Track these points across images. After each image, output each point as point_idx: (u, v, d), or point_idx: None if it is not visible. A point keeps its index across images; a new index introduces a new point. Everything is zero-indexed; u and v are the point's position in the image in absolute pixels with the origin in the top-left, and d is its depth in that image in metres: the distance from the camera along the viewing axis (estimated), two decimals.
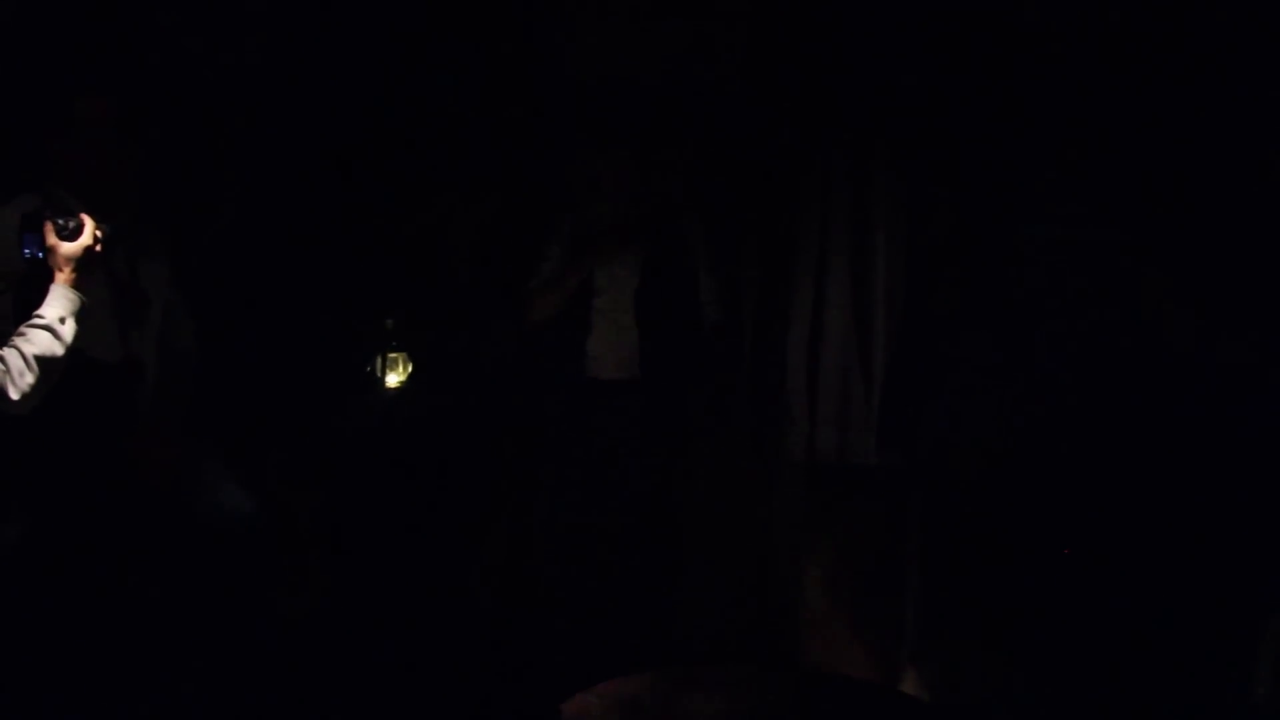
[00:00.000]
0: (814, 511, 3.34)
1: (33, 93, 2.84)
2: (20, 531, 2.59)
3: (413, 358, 3.67)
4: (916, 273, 3.21)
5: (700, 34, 3.50)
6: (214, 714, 2.82)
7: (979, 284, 3.21)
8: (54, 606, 2.60)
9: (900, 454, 3.23)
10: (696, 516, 3.51)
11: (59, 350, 2.47)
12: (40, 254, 2.53)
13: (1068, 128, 3.15)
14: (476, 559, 3.60)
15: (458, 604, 3.49)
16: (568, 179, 3.51)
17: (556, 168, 3.63)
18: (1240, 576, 2.89)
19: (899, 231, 3.19)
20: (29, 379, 2.42)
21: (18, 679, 2.54)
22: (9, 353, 2.43)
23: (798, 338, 3.31)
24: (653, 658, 2.90)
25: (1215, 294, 3.07)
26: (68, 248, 2.52)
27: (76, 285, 2.53)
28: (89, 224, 2.54)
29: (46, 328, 2.47)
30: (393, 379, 3.67)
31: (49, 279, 2.52)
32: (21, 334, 2.46)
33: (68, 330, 2.49)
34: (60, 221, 2.52)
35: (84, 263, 2.54)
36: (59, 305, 2.50)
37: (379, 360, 3.65)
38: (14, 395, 2.41)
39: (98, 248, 2.55)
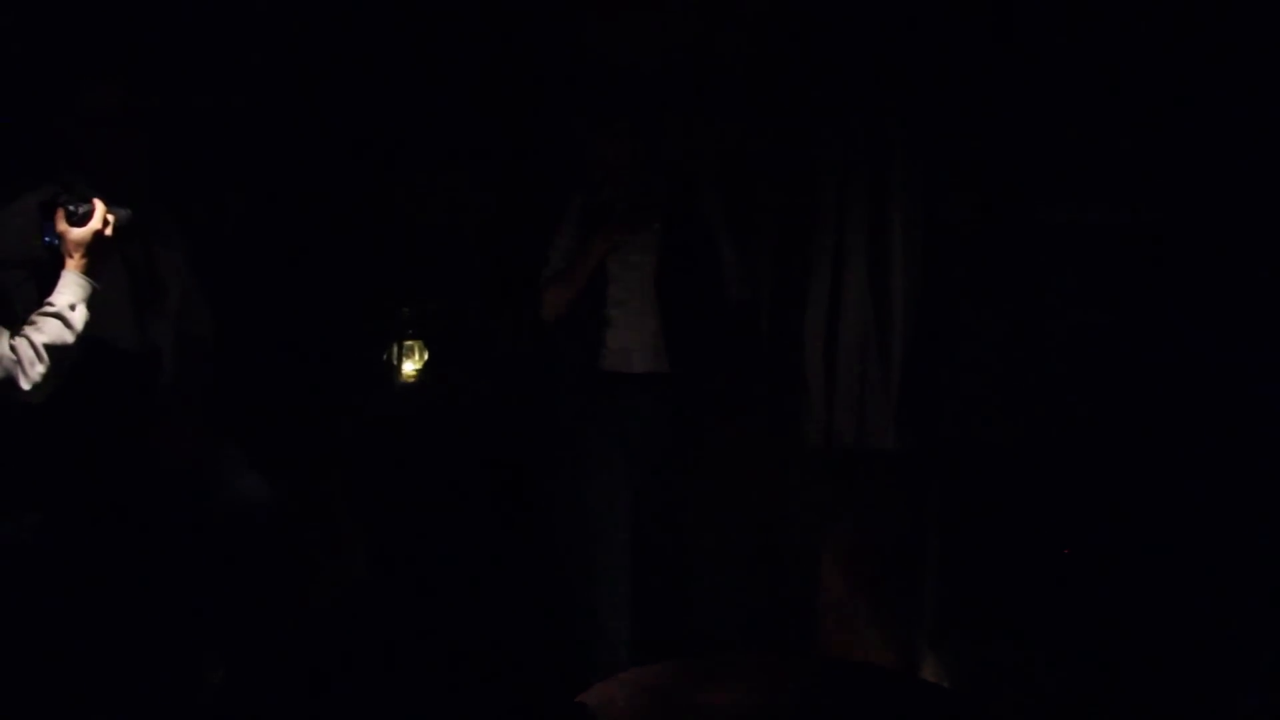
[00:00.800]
0: (832, 497, 3.32)
1: (46, 80, 2.83)
2: (40, 519, 2.58)
3: (428, 346, 3.66)
4: (934, 254, 3.19)
5: (716, 10, 3.46)
6: (233, 704, 2.82)
7: (996, 266, 3.19)
8: (73, 595, 2.60)
9: (919, 438, 3.21)
10: (712, 503, 3.49)
11: (69, 338, 2.46)
12: (58, 241, 2.53)
13: (1087, 108, 3.13)
14: (492, 551, 3.58)
15: (476, 595, 3.47)
16: (575, 161, 3.36)
17: (564, 150, 3.54)
18: (1260, 563, 2.88)
19: (916, 212, 3.17)
20: (39, 368, 2.42)
21: (38, 668, 2.54)
22: (19, 342, 2.43)
23: (815, 320, 3.27)
24: (672, 648, 2.92)
25: (1234, 279, 3.05)
26: (77, 233, 2.51)
27: (89, 271, 2.52)
28: (99, 209, 2.53)
29: (57, 315, 2.46)
30: (409, 367, 3.67)
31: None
32: (32, 322, 2.45)
33: (79, 317, 2.48)
34: (71, 208, 2.52)
35: (95, 248, 2.53)
36: (69, 292, 2.50)
37: (395, 348, 3.65)
38: (25, 385, 2.41)
39: (108, 232, 2.54)
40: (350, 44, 3.59)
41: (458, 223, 3.76)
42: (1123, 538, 3.03)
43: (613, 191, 3.20)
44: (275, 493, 2.87)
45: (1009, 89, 3.14)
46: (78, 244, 2.52)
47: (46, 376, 2.42)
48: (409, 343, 3.67)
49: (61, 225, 2.51)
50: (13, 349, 2.42)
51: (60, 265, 2.54)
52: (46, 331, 2.44)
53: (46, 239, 2.53)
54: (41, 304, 2.50)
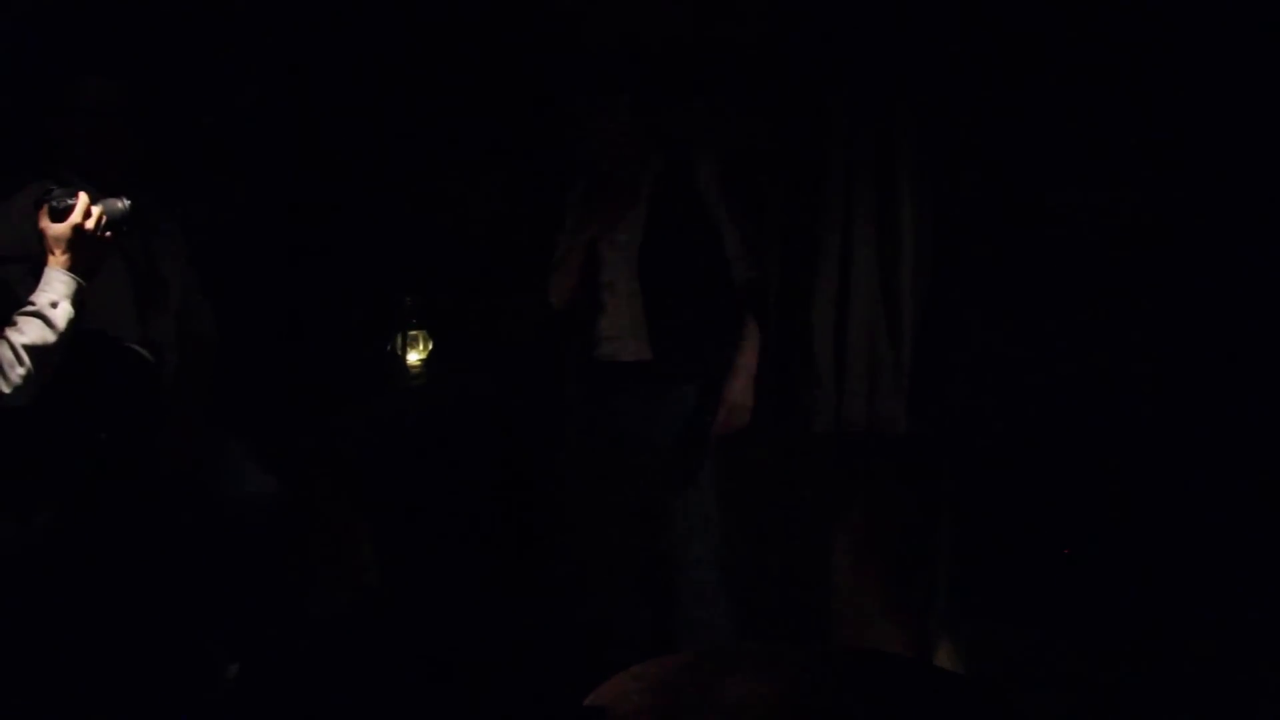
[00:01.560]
0: (842, 483, 3.30)
1: (41, 76, 2.79)
2: (43, 519, 2.56)
3: (432, 335, 3.64)
4: (944, 235, 3.16)
5: None
6: (248, 700, 2.81)
7: (1005, 249, 3.16)
8: (81, 594, 2.58)
9: (930, 423, 3.18)
10: (720, 492, 3.45)
11: (51, 337, 2.37)
12: None
13: (1096, 89, 3.10)
14: (501, 548, 3.54)
15: (485, 592, 3.45)
16: (576, 142, 3.22)
17: (565, 132, 3.51)
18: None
19: (925, 193, 3.13)
20: (20, 371, 2.34)
21: (48, 668, 2.52)
22: None
23: (823, 303, 3.18)
24: (683, 640, 2.90)
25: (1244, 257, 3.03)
26: (56, 228, 2.43)
27: (77, 267, 2.44)
28: (81, 203, 2.44)
29: (37, 314, 2.38)
30: (413, 356, 3.64)
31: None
32: (12, 323, 2.37)
33: (61, 314, 2.39)
34: (54, 203, 2.44)
35: (78, 243, 2.43)
36: (51, 289, 2.41)
37: (399, 338, 3.63)
38: (5, 389, 2.33)
39: (89, 225, 2.44)
40: (349, 31, 3.55)
41: (462, 210, 3.73)
42: (1134, 521, 3.01)
43: (608, 170, 3.08)
44: (280, 488, 2.86)
45: (1017, 70, 3.10)
46: (57, 239, 2.43)
47: (28, 379, 2.34)
48: (413, 332, 3.64)
49: (44, 221, 2.45)
50: None
51: None
52: (27, 332, 2.36)
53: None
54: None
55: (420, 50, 3.61)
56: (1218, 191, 3.01)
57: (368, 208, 3.64)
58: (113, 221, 2.50)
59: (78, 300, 2.43)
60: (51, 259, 2.44)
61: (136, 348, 2.63)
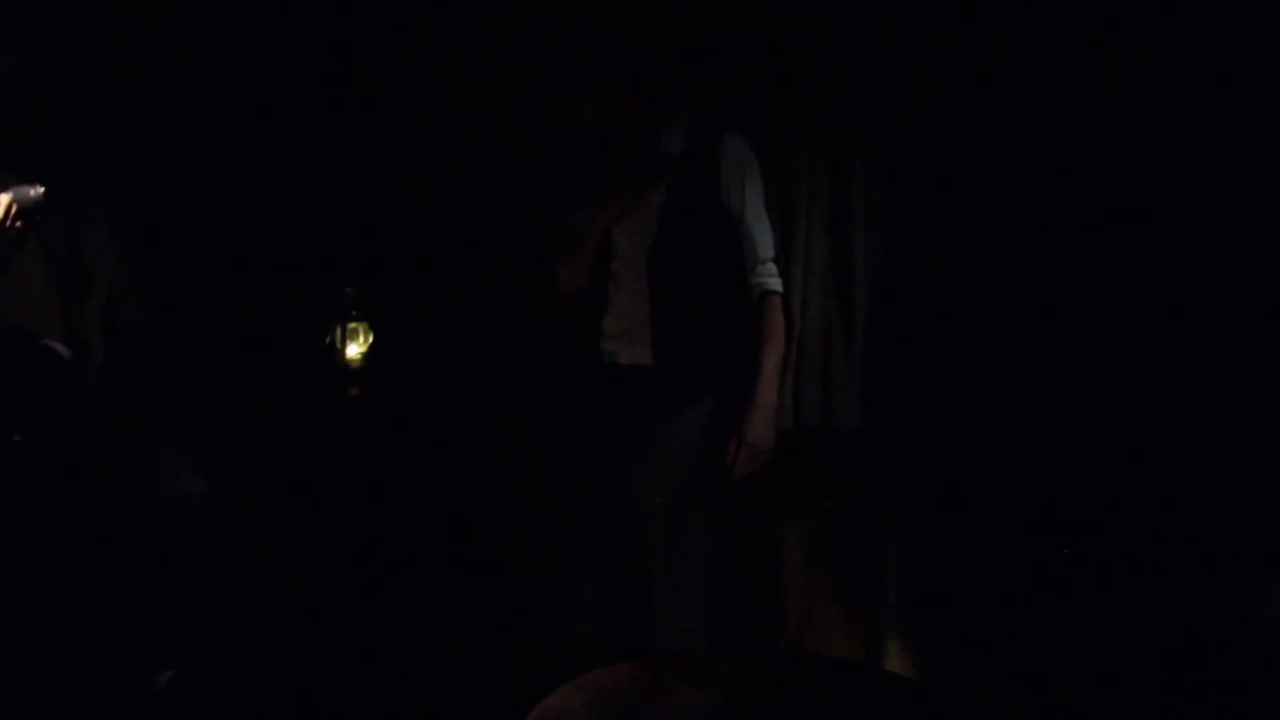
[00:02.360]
0: (796, 479, 3.25)
1: None
2: None
3: (373, 327, 3.54)
4: (895, 231, 3.12)
5: None
6: (182, 706, 2.71)
7: (959, 242, 3.13)
8: (3, 600, 2.47)
9: (882, 418, 3.15)
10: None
11: None
12: None
13: (1050, 81, 3.07)
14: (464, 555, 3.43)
15: (440, 600, 3.35)
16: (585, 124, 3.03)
17: (534, 113, 3.38)
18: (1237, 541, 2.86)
19: (876, 187, 3.10)
20: None
21: None
22: None
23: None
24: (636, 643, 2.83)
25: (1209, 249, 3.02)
26: None
27: None
28: None
29: None
30: (353, 349, 3.53)
31: None
32: None
33: None
34: None
35: None
36: None
37: (338, 330, 3.52)
38: None
39: None
40: (292, 8, 3.43)
41: (407, 193, 3.62)
42: (1092, 513, 2.99)
43: (630, 149, 2.80)
44: (214, 487, 2.75)
45: (971, 66, 3.06)
46: None
47: None
48: (353, 325, 3.53)
49: None
50: None
51: None
52: None
53: None
54: None
55: (366, 27, 3.50)
56: (1179, 180, 3.00)
57: (307, 192, 3.53)
58: (24, 210, 2.36)
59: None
60: None
61: (52, 344, 2.50)
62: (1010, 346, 3.14)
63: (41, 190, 2.38)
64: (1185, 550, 2.87)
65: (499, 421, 3.40)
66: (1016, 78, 3.06)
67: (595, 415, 2.81)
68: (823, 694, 2.27)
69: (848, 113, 3.08)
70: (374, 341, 3.54)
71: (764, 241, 2.79)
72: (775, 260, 2.81)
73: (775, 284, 2.79)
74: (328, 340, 3.51)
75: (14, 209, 2.34)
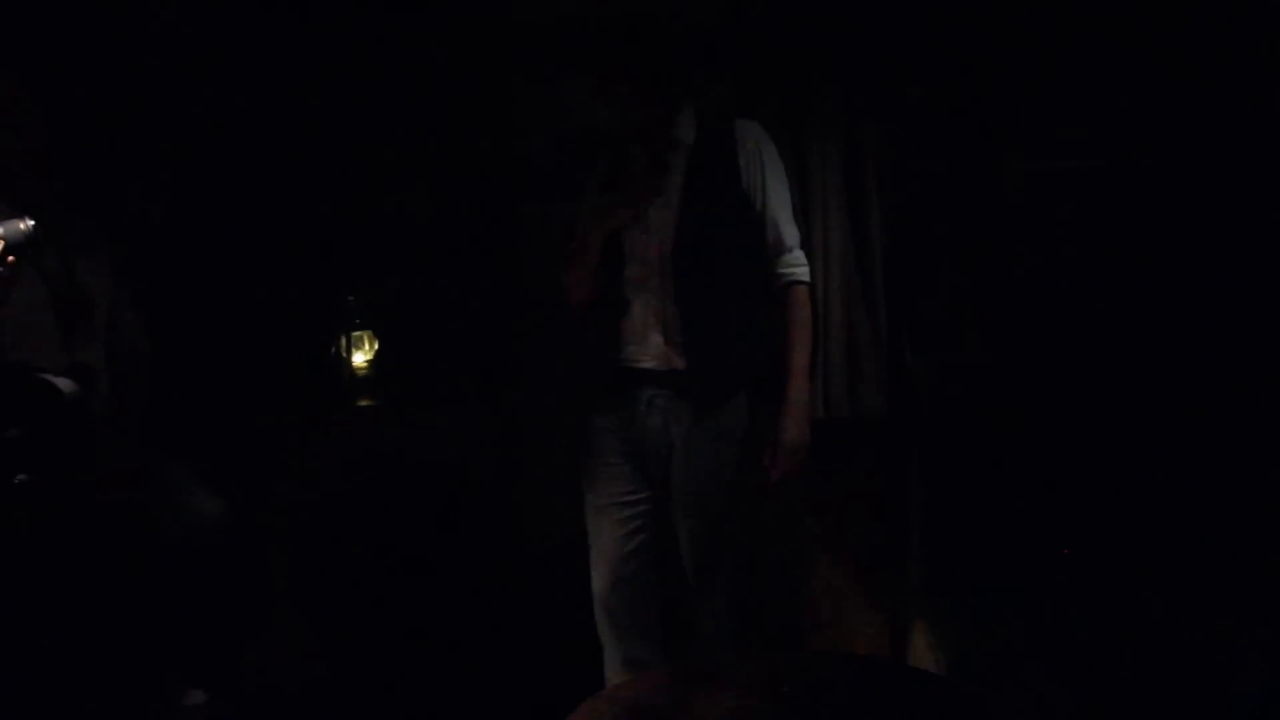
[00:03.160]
0: (814, 470, 3.22)
1: None
2: None
3: (378, 335, 3.50)
4: (910, 216, 3.08)
5: None
6: None
7: (972, 225, 3.09)
8: (23, 634, 2.44)
9: (903, 405, 3.12)
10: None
11: None
12: None
13: (1058, 60, 3.04)
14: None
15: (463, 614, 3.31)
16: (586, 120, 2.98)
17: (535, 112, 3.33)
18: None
19: (888, 174, 3.07)
20: None
21: None
22: None
23: None
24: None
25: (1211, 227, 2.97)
26: None
27: None
28: None
29: None
30: (359, 358, 3.50)
31: None
32: None
33: None
34: None
35: None
36: None
37: (343, 339, 3.48)
38: None
39: None
40: (285, 21, 3.38)
41: (408, 201, 3.58)
42: (1108, 504, 2.96)
43: (632, 146, 2.65)
44: (227, 509, 2.72)
45: (978, 46, 3.02)
46: None
47: None
48: (358, 333, 3.50)
49: None
50: None
51: None
52: None
53: None
54: None
55: (359, 28, 3.44)
56: (1192, 166, 2.98)
57: (304, 200, 3.49)
58: (14, 246, 2.29)
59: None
60: None
61: (52, 379, 2.45)
62: (1026, 332, 3.12)
63: (31, 224, 2.31)
64: (1207, 541, 2.86)
65: (513, 429, 3.37)
66: (1029, 61, 3.03)
67: (619, 422, 2.66)
68: (852, 694, 2.24)
69: (858, 101, 3.04)
70: (379, 349, 3.50)
71: (788, 230, 2.62)
72: (801, 248, 2.65)
73: (802, 273, 2.61)
74: (334, 350, 3.47)
75: (3, 245, 2.28)
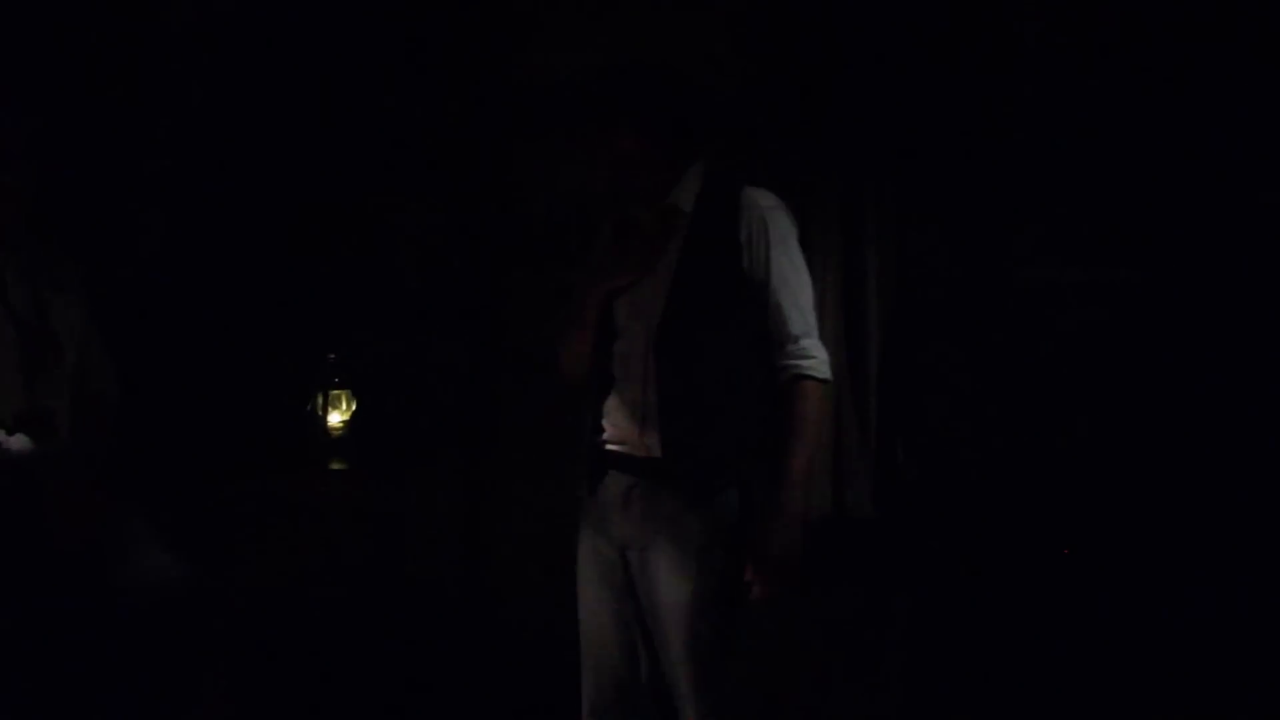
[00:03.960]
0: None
1: None
2: None
3: (356, 394, 3.40)
4: (911, 314, 3.03)
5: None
6: None
7: (971, 328, 3.05)
8: None
9: (893, 507, 3.03)
10: None
11: None
12: None
13: (1062, 168, 3.04)
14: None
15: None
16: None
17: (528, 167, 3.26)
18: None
19: (890, 270, 3.02)
20: None
21: None
22: None
23: None
24: None
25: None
26: None
27: None
28: None
29: None
30: (335, 418, 3.40)
31: None
32: None
33: None
34: None
35: None
36: None
37: (319, 397, 3.38)
38: None
39: None
40: (265, 63, 3.32)
41: (392, 256, 3.49)
42: (1107, 608, 2.89)
43: (631, 208, 2.41)
44: (189, 573, 2.59)
45: (984, 149, 3.01)
46: None
47: None
48: (335, 391, 3.40)
49: None
50: None
51: None
52: None
53: None
54: None
55: (346, 80, 3.40)
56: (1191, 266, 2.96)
57: (288, 254, 3.41)
58: None
59: None
60: None
61: (21, 414, 2.33)
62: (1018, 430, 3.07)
63: None
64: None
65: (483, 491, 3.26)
66: (1030, 161, 3.01)
67: (600, 507, 2.41)
68: None
69: (862, 196, 3.00)
70: (357, 409, 3.41)
71: (795, 315, 2.32)
72: (813, 336, 2.35)
73: (809, 367, 2.30)
74: (309, 408, 3.37)
75: None
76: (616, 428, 2.37)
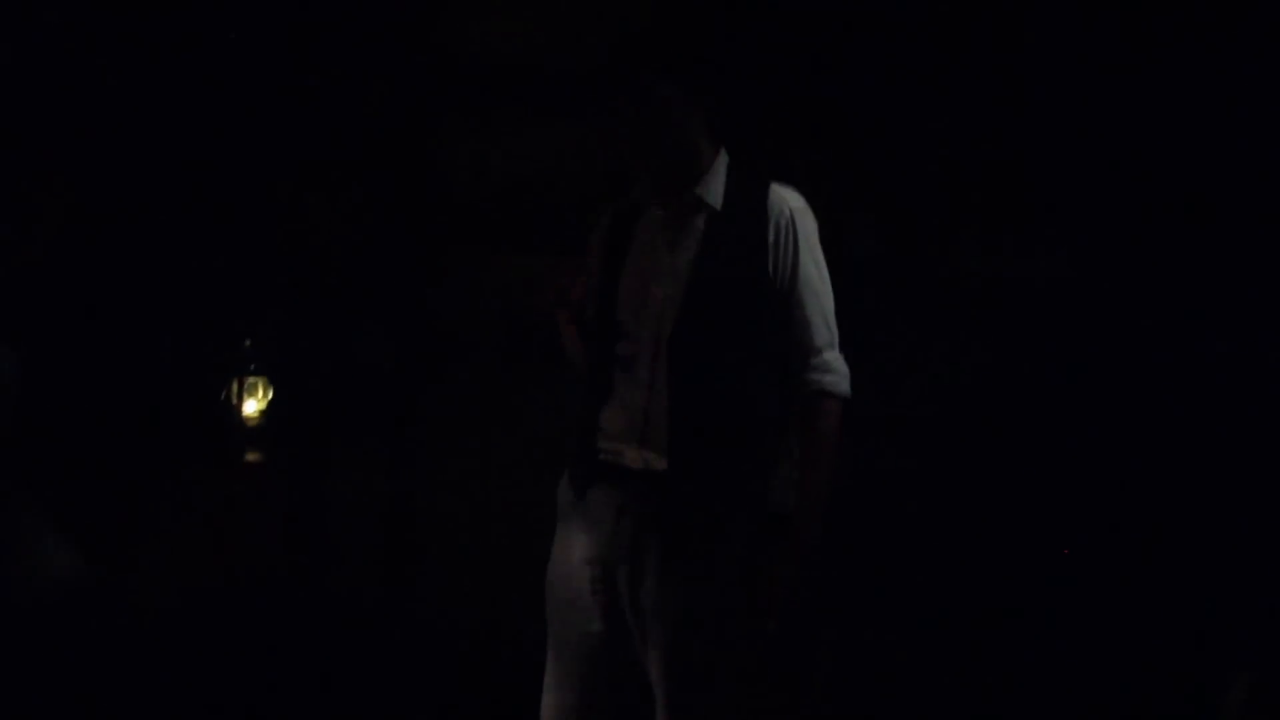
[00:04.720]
0: None
1: None
2: None
3: (272, 382, 3.30)
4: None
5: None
6: None
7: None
8: None
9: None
10: None
11: None
12: None
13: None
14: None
15: None
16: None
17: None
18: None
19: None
20: None
21: None
22: None
23: None
24: None
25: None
26: None
27: None
28: None
29: None
30: (251, 406, 3.30)
31: None
32: None
33: None
34: None
35: None
36: None
37: (235, 385, 3.27)
38: None
39: None
40: (181, 35, 3.19)
41: (311, 236, 3.37)
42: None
43: (645, 194, 2.22)
44: (86, 570, 2.46)
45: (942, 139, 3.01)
46: None
47: None
48: (251, 379, 3.30)
49: None
50: None
51: None
52: None
53: None
54: None
55: (264, 54, 3.29)
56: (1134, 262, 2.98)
57: (200, 237, 3.27)
58: None
59: None
60: None
61: None
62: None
63: None
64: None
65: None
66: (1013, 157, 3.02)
67: (586, 517, 2.20)
68: None
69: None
70: (274, 397, 3.30)
71: (820, 326, 2.15)
72: (835, 348, 2.19)
73: (831, 383, 2.13)
74: (223, 396, 3.25)
75: None
76: (612, 435, 2.18)
